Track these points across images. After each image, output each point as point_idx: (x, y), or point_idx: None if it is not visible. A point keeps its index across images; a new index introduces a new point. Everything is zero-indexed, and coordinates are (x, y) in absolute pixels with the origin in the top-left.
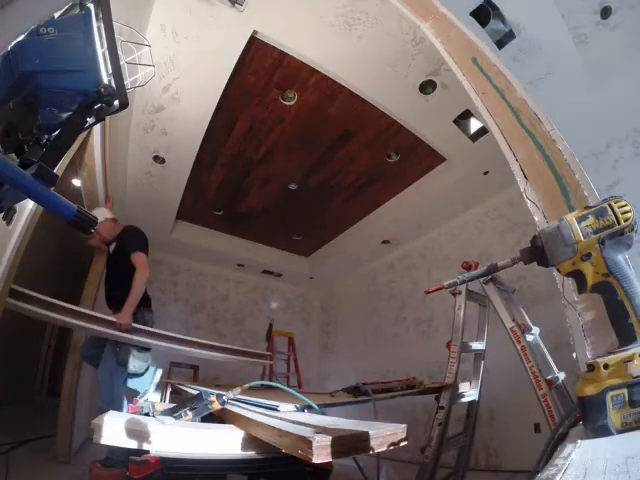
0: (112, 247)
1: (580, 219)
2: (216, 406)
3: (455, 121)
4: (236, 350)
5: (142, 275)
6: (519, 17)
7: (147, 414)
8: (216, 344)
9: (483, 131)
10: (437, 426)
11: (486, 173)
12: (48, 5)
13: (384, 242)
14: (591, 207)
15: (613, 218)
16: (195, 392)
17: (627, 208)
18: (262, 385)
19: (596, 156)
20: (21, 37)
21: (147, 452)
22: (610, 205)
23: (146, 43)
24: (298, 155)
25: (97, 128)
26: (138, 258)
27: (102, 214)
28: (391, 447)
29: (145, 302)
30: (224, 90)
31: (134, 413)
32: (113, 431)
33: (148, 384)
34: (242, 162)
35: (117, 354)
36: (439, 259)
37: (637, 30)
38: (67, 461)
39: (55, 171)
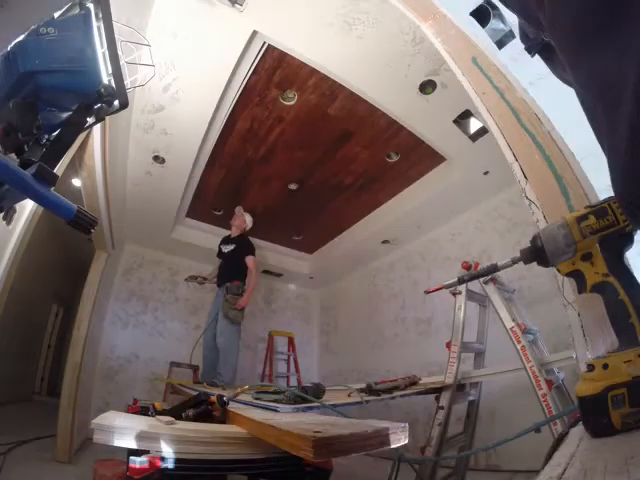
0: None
1: (580, 219)
2: (216, 407)
3: (455, 121)
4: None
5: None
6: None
7: (147, 414)
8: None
9: (483, 131)
10: (437, 426)
11: (486, 173)
12: (48, 5)
13: (384, 242)
14: (591, 207)
15: (613, 218)
16: (195, 392)
17: None
18: (262, 386)
19: (596, 156)
20: (21, 37)
21: (147, 452)
22: (610, 205)
23: (146, 43)
24: (298, 155)
25: (97, 128)
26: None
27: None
28: (392, 446)
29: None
30: (224, 90)
31: (134, 413)
32: (113, 431)
33: None
34: (242, 162)
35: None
36: (439, 259)
37: None
38: (67, 461)
39: (55, 171)
